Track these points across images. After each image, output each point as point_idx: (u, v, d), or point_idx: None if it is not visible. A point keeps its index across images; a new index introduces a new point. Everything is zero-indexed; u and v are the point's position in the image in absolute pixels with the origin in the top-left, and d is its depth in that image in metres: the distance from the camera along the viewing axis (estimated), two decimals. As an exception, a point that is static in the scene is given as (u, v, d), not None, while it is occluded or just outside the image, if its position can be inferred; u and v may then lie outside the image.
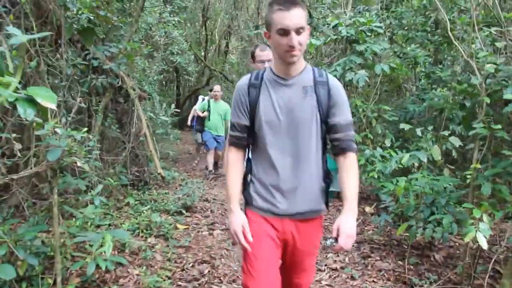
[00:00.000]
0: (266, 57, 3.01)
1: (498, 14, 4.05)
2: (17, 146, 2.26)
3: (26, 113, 1.86)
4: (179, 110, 8.63)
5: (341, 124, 1.88)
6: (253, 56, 3.10)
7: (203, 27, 16.33)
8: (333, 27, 5.27)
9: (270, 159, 1.86)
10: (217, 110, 7.97)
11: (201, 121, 8.15)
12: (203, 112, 8.08)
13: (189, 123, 9.01)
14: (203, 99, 8.54)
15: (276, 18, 1.69)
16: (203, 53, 16.59)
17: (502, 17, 3.78)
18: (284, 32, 1.68)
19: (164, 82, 13.58)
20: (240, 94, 1.92)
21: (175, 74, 16.09)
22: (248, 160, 2.02)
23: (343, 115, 1.89)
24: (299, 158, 1.85)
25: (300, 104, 1.83)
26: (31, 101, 1.93)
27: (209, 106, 8.01)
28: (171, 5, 8.58)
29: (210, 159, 8.01)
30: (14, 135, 2.45)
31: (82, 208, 3.74)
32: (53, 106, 1.88)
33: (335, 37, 5.21)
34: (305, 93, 1.85)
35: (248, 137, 1.97)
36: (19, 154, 2.27)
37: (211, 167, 7.98)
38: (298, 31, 1.69)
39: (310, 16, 6.58)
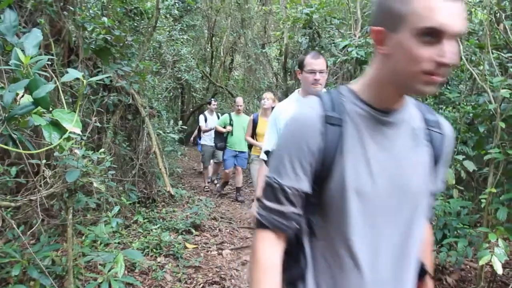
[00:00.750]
0: (319, 66, 2.46)
1: (508, 37, 4.09)
2: (47, 172, 2.27)
3: (51, 137, 1.88)
4: (186, 127, 8.67)
5: (439, 189, 1.22)
6: (301, 65, 2.55)
7: (209, 44, 16.51)
8: (342, 48, 5.32)
9: (352, 253, 1.04)
10: (241, 124, 7.18)
11: (221, 137, 7.44)
12: (224, 127, 7.38)
13: (191, 139, 8.95)
14: (205, 117, 8.35)
15: (423, 7, 0.90)
16: (208, 69, 16.74)
17: (513, 41, 3.82)
18: (435, 36, 0.91)
19: (169, 98, 13.72)
20: (305, 135, 1.05)
21: (179, 90, 16.22)
22: (296, 253, 1.13)
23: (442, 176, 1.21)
24: (401, 251, 1.08)
25: (409, 160, 1.09)
26: (55, 124, 1.95)
27: (231, 120, 7.35)
28: (180, 24, 8.71)
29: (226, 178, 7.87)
30: (44, 161, 2.46)
31: (90, 225, 3.75)
32: (78, 131, 1.90)
33: (345, 57, 5.26)
34: (415, 141, 1.11)
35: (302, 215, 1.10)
36: (48, 180, 2.28)
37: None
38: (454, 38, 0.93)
39: (319, 35, 6.65)
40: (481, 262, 2.82)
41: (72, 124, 1.87)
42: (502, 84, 3.01)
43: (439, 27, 0.90)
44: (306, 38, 6.72)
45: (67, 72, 1.69)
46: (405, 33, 0.93)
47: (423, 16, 0.90)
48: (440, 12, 0.89)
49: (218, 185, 8.26)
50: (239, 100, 7.64)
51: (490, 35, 5.67)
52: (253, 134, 5.66)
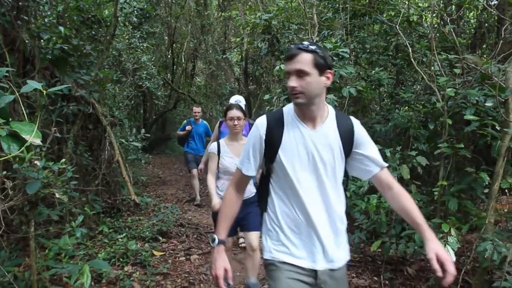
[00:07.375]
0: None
1: (453, 39, 4.36)
2: (8, 183, 2.23)
3: (10, 148, 1.87)
4: (149, 135, 8.54)
5: None
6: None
7: (170, 51, 16.39)
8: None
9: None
10: None
11: None
12: None
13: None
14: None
15: None
16: (169, 76, 16.60)
17: (458, 43, 4.08)
18: None
19: (131, 106, 13.52)
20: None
21: (141, 98, 16.00)
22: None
23: None
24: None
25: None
26: (14, 136, 1.93)
27: None
28: (139, 31, 8.64)
29: None
30: (4, 172, 2.42)
31: (53, 238, 3.67)
32: (38, 141, 1.89)
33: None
34: None
35: None
36: (10, 192, 2.24)
37: None
38: None
39: (278, 41, 6.79)
40: (436, 251, 3.00)
41: (31, 135, 1.87)
42: (448, 83, 3.21)
43: None
44: (265, 44, 6.83)
45: (24, 83, 1.69)
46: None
47: None
48: None
49: None
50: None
51: (440, 38, 5.99)
52: None
